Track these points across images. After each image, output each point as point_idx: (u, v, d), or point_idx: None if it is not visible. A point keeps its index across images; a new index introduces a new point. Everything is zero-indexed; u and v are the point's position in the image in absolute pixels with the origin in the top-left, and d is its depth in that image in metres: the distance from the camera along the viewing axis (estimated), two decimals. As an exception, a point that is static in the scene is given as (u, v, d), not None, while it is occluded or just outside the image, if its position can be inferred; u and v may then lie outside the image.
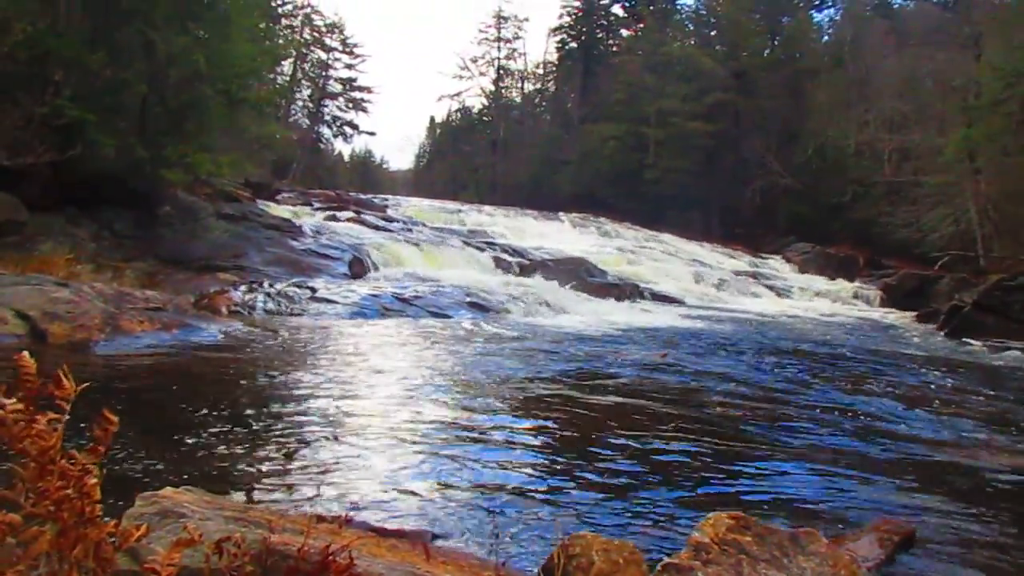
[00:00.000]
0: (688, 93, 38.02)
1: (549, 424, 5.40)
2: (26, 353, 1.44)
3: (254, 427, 4.76)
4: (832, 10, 45.09)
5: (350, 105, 49.12)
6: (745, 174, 36.23)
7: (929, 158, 26.42)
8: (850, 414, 6.30)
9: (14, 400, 1.38)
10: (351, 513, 2.84)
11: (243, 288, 11.45)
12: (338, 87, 48.88)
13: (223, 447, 4.29)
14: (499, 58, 54.21)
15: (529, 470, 4.27)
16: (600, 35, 53.11)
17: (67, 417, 1.42)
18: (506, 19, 53.68)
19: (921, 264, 24.57)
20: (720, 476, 4.39)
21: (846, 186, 31.33)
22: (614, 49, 50.63)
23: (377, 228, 19.85)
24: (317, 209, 22.27)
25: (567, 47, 53.80)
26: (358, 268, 14.67)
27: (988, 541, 3.65)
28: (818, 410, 6.41)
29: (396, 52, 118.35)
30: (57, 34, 11.92)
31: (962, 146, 22.31)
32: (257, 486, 3.70)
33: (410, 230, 20.65)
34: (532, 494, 3.86)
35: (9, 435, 1.35)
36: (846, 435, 5.56)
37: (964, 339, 13.65)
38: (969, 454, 5.25)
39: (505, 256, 18.17)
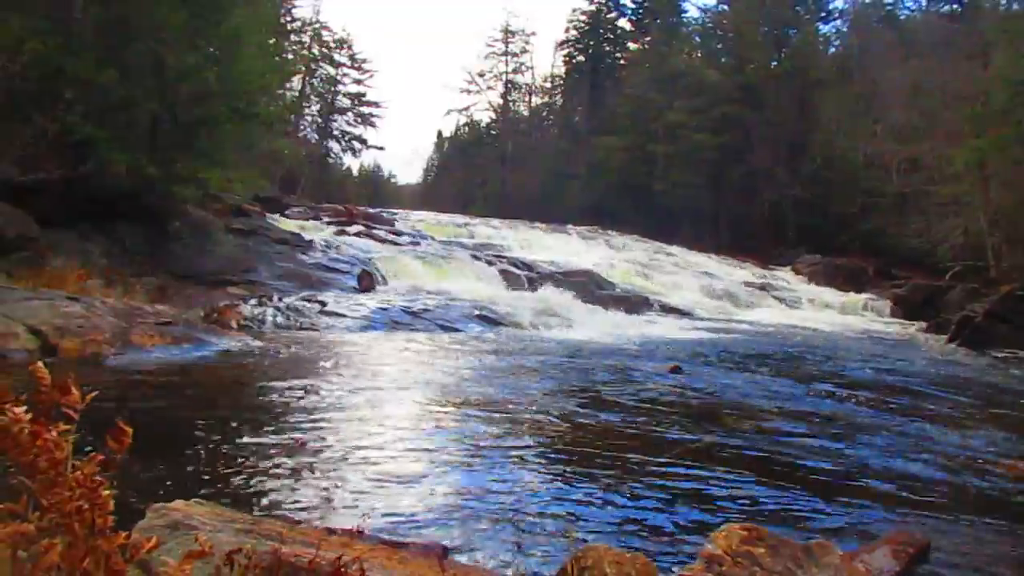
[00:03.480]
0: (695, 106, 38.06)
1: (559, 436, 5.38)
2: (41, 363, 1.44)
3: (264, 440, 4.76)
4: (839, 22, 45.20)
5: (359, 120, 49.44)
6: (753, 186, 36.20)
7: (938, 168, 26.30)
8: (862, 427, 6.26)
9: (23, 410, 1.38)
10: (362, 525, 2.83)
11: (253, 302, 11.49)
12: (347, 102, 49.21)
13: (234, 460, 4.29)
14: (506, 72, 54.52)
15: (540, 482, 4.25)
16: (607, 48, 53.29)
17: (74, 428, 1.42)
18: (513, 33, 54.04)
19: (931, 275, 24.44)
20: (732, 488, 4.36)
21: (855, 197, 31.24)
22: (621, 62, 50.85)
23: (386, 242, 19.89)
24: (326, 223, 22.32)
25: (574, 61, 54.02)
26: (367, 282, 14.69)
27: (1003, 554, 3.61)
28: (830, 422, 6.36)
29: (404, 67, 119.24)
30: (68, 52, 12.06)
31: (971, 156, 22.18)
32: (268, 499, 3.70)
33: (418, 244, 20.69)
34: (543, 506, 3.84)
35: (17, 446, 1.35)
36: (858, 447, 5.52)
37: (976, 350, 13.53)
38: (983, 466, 5.19)
39: (513, 269, 18.16)
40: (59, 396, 1.42)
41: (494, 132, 56.65)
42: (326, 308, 11.62)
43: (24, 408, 1.39)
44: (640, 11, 52.02)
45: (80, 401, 1.43)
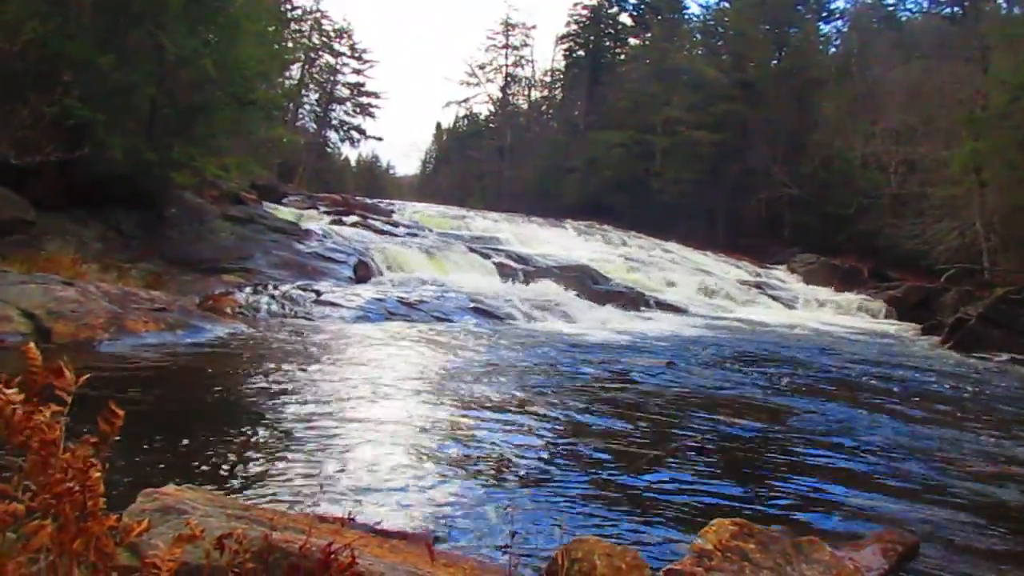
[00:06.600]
0: (694, 102, 38.01)
1: (550, 429, 5.38)
2: (32, 345, 1.43)
3: (257, 427, 4.76)
4: (839, 22, 45.15)
5: (357, 110, 49.23)
6: (751, 184, 36.15)
7: (935, 170, 26.33)
8: (854, 426, 6.28)
9: (15, 390, 1.37)
10: (353, 513, 2.84)
11: (248, 290, 11.47)
12: (346, 92, 48.98)
13: (226, 446, 4.29)
14: (506, 65, 54.36)
15: (531, 474, 4.26)
16: (607, 43, 53.14)
17: (65, 410, 1.41)
18: (514, 26, 53.87)
19: (926, 276, 24.47)
20: (724, 484, 4.37)
21: (852, 197, 31.22)
22: (621, 57, 50.70)
23: (382, 233, 19.85)
24: (323, 213, 22.26)
25: (574, 55, 53.86)
26: (363, 272, 14.66)
27: (992, 553, 3.63)
28: (822, 421, 6.39)
29: (404, 58, 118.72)
30: (67, 35, 11.98)
31: (968, 159, 22.19)
32: (259, 485, 3.70)
33: (415, 235, 20.64)
34: (534, 498, 3.85)
35: (8, 426, 1.34)
36: (850, 446, 5.54)
37: (969, 352, 13.58)
38: (973, 467, 5.22)
39: (510, 262, 18.12)
40: (53, 378, 1.41)
41: (493, 125, 56.50)
42: (321, 297, 11.61)
43: (16, 389, 1.38)
44: (641, 7, 51.84)
45: (72, 384, 1.42)
